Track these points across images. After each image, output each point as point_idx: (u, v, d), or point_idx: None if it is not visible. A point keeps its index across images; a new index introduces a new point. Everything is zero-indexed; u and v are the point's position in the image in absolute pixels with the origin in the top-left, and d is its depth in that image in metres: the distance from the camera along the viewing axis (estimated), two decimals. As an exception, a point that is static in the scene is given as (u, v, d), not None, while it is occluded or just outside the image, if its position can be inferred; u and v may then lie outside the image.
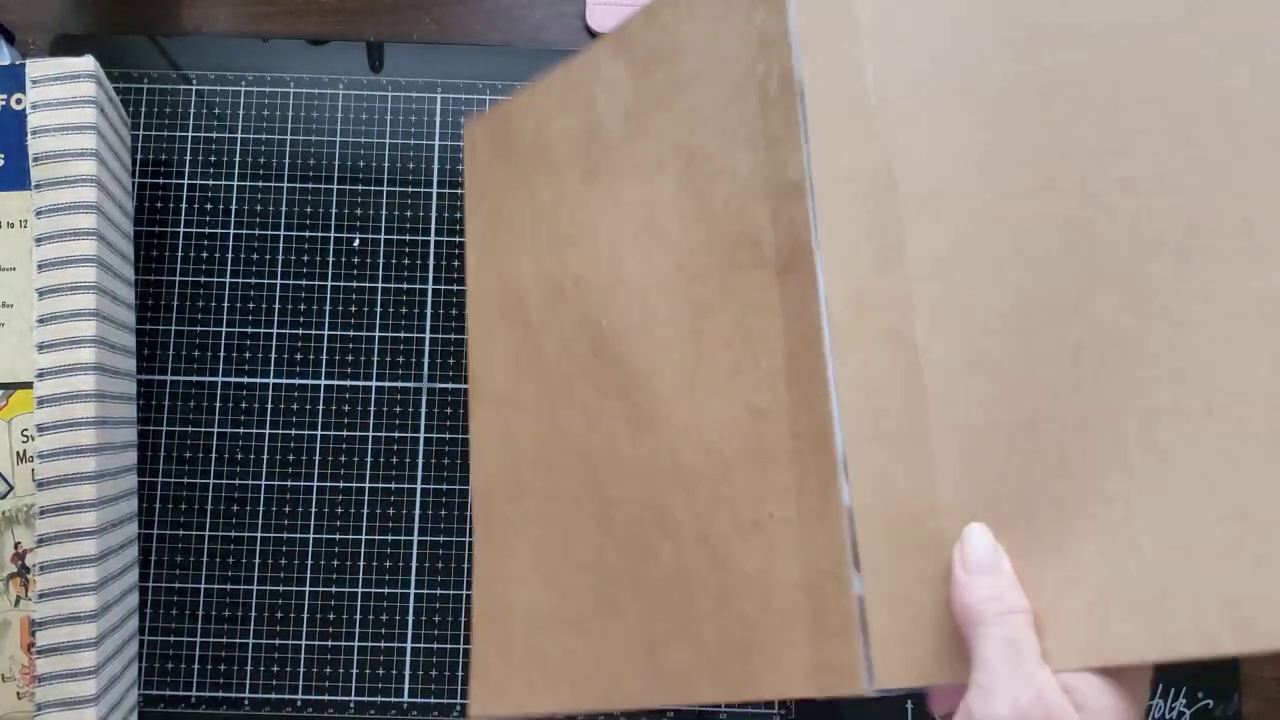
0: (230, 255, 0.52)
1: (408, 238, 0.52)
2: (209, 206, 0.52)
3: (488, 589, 0.42)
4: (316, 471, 0.51)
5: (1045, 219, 0.30)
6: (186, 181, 0.52)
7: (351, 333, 0.51)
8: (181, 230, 0.52)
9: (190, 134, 0.52)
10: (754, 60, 0.35)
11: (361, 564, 0.50)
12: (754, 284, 0.35)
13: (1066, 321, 0.30)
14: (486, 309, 0.44)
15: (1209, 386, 0.28)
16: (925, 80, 0.32)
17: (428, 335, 0.51)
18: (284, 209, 0.52)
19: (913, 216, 0.32)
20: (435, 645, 0.49)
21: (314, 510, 0.50)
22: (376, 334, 0.51)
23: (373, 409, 0.51)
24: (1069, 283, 0.30)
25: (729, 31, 0.36)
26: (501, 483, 0.43)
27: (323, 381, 0.51)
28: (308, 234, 0.52)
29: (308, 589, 0.49)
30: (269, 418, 0.51)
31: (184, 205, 0.52)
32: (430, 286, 0.52)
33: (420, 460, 0.51)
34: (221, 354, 0.51)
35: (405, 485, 0.50)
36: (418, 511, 0.50)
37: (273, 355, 0.51)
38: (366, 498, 0.50)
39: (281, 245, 0.52)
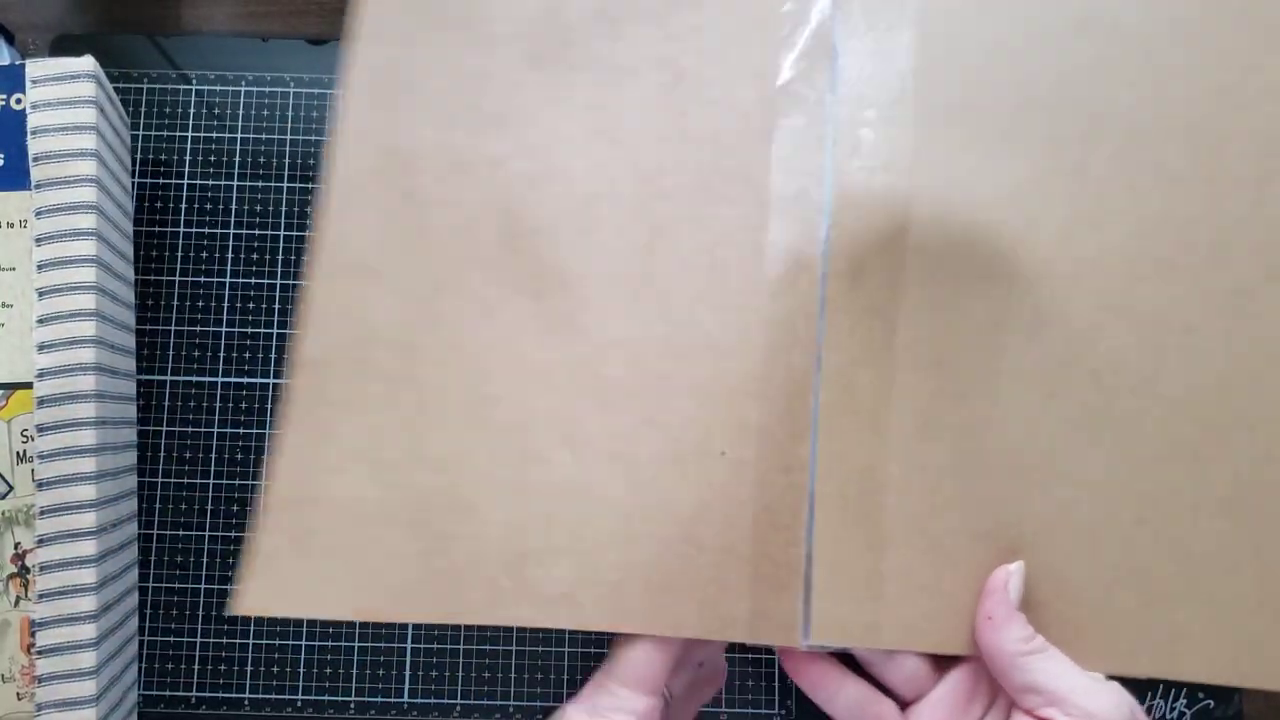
0: (230, 255, 0.51)
1: (408, 238, 0.52)
2: (209, 206, 0.52)
3: (293, 473, 0.35)
4: (316, 471, 0.50)
5: None
6: (186, 182, 0.52)
7: (351, 333, 0.51)
8: (181, 230, 0.52)
9: (190, 134, 0.52)
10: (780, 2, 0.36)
11: (361, 564, 0.50)
12: (739, 221, 0.35)
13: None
14: (356, 168, 0.38)
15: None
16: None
17: (428, 335, 0.51)
18: (284, 209, 0.52)
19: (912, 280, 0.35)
20: (435, 645, 0.49)
21: (314, 510, 0.50)
22: (376, 334, 0.51)
23: (373, 409, 0.51)
24: None
25: None
26: (340, 361, 0.37)
27: (323, 381, 0.51)
28: (308, 234, 0.52)
29: (308, 589, 0.49)
30: (269, 418, 0.51)
31: (184, 205, 0.52)
32: (430, 286, 0.52)
33: (420, 460, 0.51)
34: (221, 354, 0.51)
35: (405, 485, 0.50)
36: (418, 511, 0.50)
37: (273, 355, 0.51)
38: (366, 498, 0.50)
39: (281, 245, 0.52)
